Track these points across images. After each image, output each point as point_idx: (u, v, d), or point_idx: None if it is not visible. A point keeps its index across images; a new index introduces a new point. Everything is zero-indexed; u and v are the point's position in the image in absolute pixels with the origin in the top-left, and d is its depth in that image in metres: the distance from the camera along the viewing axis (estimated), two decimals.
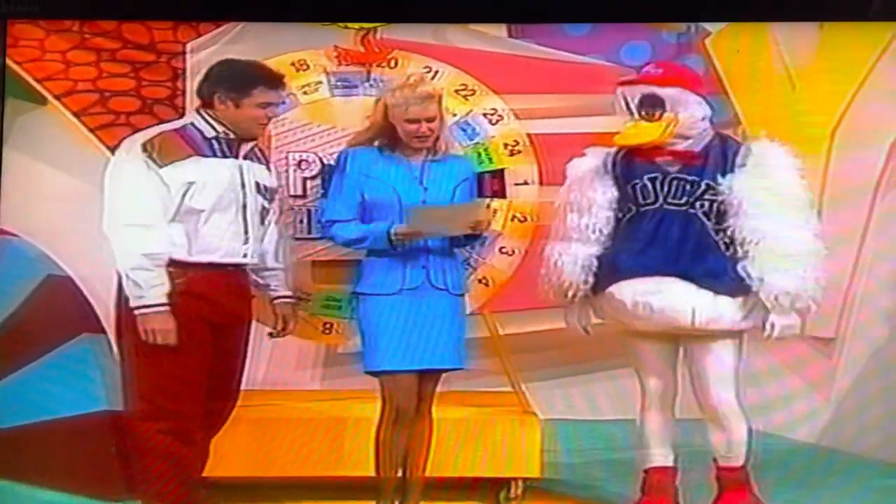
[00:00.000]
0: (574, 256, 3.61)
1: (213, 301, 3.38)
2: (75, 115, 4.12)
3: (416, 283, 3.56)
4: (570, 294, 3.64)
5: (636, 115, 3.59)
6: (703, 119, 3.60)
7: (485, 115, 4.10)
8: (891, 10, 3.94)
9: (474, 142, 4.10)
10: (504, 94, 4.10)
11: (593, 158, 3.69)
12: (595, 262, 3.60)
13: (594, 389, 4.10)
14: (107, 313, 3.95)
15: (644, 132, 3.57)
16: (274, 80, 3.49)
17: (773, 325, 3.52)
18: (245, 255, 3.47)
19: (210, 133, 3.43)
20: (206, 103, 3.46)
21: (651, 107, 3.57)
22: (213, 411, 3.46)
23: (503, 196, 4.09)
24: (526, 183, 4.10)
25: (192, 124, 3.44)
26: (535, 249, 4.06)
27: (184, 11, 4.08)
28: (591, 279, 3.61)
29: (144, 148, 3.35)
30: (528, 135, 4.10)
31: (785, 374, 4.10)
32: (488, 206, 3.86)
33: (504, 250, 4.09)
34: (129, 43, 4.12)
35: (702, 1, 3.97)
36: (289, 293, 3.65)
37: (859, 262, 4.06)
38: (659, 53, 4.02)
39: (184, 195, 3.34)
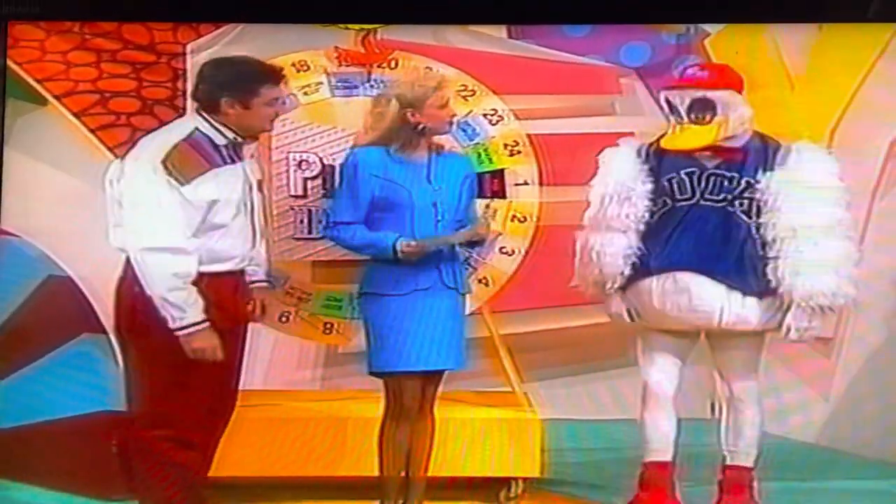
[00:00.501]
0: (618, 247, 3.58)
1: (222, 307, 3.32)
2: (76, 115, 4.12)
3: (429, 284, 3.55)
4: (610, 285, 3.62)
5: (685, 119, 3.57)
6: (750, 119, 3.61)
7: (485, 115, 4.11)
8: (889, 10, 3.97)
9: (474, 142, 4.10)
10: (504, 95, 4.11)
11: (627, 148, 3.67)
12: (637, 253, 3.58)
13: (594, 389, 4.10)
14: (107, 314, 3.94)
15: (696, 136, 3.55)
16: (276, 75, 3.43)
17: (789, 328, 3.54)
18: (253, 259, 3.45)
19: (220, 140, 3.33)
20: (210, 107, 3.35)
21: (702, 110, 3.55)
22: (213, 413, 3.42)
23: (503, 196, 4.09)
24: (526, 183, 4.10)
25: (199, 130, 3.33)
26: (535, 249, 4.10)
27: (185, 13, 4.08)
28: (629, 270, 3.59)
29: (165, 166, 3.23)
30: (528, 135, 4.11)
31: (783, 374, 4.12)
32: (489, 225, 3.81)
33: (504, 250, 4.09)
34: (129, 44, 4.12)
35: (701, 2, 3.98)
36: (264, 278, 3.60)
37: (858, 262, 4.06)
38: (658, 54, 4.04)
39: (207, 212, 3.26)
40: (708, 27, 4.07)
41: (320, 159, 4.08)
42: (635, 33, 4.09)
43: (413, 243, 3.49)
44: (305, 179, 4.08)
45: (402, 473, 3.62)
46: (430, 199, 3.56)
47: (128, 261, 3.30)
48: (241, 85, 3.33)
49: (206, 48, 4.09)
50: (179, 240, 3.21)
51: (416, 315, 3.53)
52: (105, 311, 3.93)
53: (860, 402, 4.09)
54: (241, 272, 3.43)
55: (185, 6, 4.07)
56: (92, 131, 4.12)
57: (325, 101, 4.12)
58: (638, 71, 4.09)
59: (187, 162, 3.24)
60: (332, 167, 4.04)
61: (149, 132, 4.04)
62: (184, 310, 3.20)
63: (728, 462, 3.69)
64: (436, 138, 3.63)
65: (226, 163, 3.32)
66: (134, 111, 4.12)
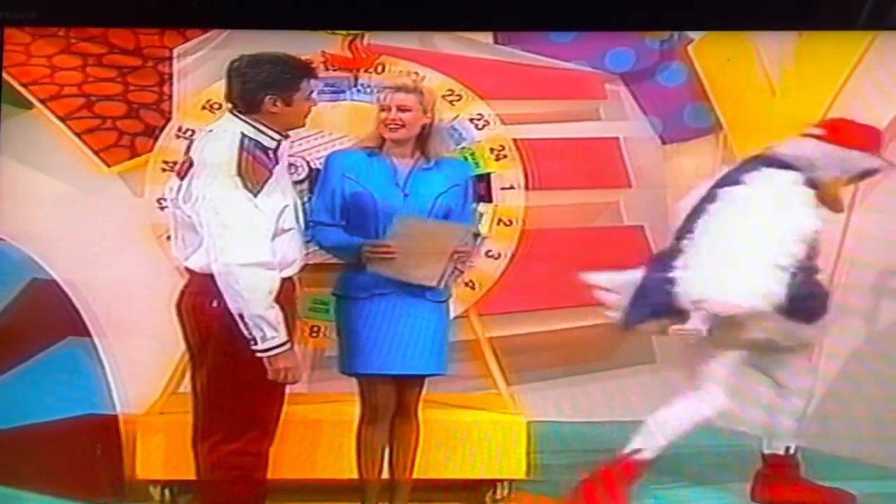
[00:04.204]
0: None
1: (289, 314, 3.28)
2: (61, 119, 4.11)
3: (388, 290, 3.53)
4: None
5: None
6: None
7: (471, 120, 4.13)
8: (868, 18, 4.04)
9: (461, 146, 4.12)
10: (490, 100, 4.13)
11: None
12: None
13: (580, 391, 4.13)
14: (92, 317, 3.98)
15: None
16: (311, 69, 3.40)
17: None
18: (308, 254, 3.44)
19: (270, 143, 3.28)
20: (251, 108, 3.26)
21: None
22: (272, 420, 3.39)
23: (489, 200, 4.12)
24: (512, 187, 4.13)
25: (246, 136, 3.24)
26: (521, 253, 4.12)
27: (173, 18, 4.09)
28: None
29: (241, 178, 3.17)
30: (514, 140, 4.13)
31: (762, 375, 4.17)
32: (476, 234, 3.80)
33: (490, 254, 4.11)
34: (115, 48, 4.12)
35: (685, 9, 4.02)
36: None
37: (838, 265, 4.12)
38: (642, 60, 4.09)
39: (277, 220, 3.23)
40: (691, 34, 4.12)
41: (307, 163, 4.08)
42: (620, 39, 4.14)
43: (374, 244, 3.47)
44: (292, 183, 4.07)
45: (381, 474, 3.61)
46: (397, 205, 3.53)
47: (191, 276, 3.25)
48: (283, 81, 3.27)
49: (192, 52, 4.11)
50: (267, 254, 3.16)
51: (379, 319, 3.52)
52: (90, 314, 3.97)
53: (840, 404, 4.13)
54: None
55: (174, 13, 4.07)
56: (78, 135, 4.11)
57: None
58: (622, 77, 4.14)
59: (254, 171, 3.19)
60: (319, 171, 4.05)
61: (135, 136, 4.14)
62: (276, 328, 3.14)
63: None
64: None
65: (275, 164, 3.27)
66: (120, 115, 4.12)
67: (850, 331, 4.14)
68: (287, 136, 3.35)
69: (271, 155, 3.27)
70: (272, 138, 3.28)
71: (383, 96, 3.58)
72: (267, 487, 3.36)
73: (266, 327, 3.13)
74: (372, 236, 3.53)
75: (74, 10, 4.07)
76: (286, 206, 3.24)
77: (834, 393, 4.13)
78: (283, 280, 3.26)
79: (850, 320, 4.13)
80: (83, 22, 4.09)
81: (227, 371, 3.23)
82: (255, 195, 3.17)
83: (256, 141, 3.24)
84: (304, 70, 3.35)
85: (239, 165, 3.17)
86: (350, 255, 3.54)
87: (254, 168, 3.18)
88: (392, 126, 3.55)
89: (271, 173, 3.22)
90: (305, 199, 4.03)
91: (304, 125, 3.44)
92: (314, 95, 3.41)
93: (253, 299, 3.12)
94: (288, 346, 3.16)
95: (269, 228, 3.19)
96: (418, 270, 3.49)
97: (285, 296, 3.27)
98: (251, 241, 3.14)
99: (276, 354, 3.15)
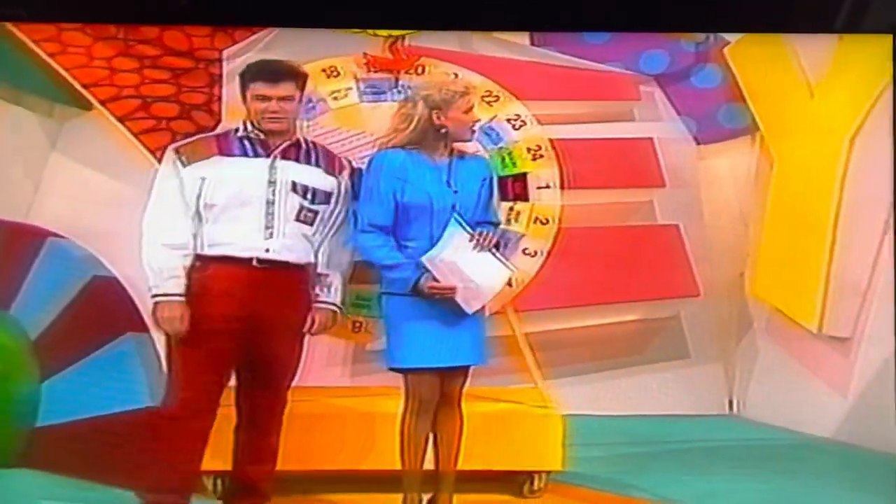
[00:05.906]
0: None
1: (235, 296, 3.54)
2: (119, 120, 4.25)
3: None
4: None
5: None
6: None
7: (508, 120, 4.18)
8: None
9: (498, 146, 4.18)
10: (527, 101, 4.17)
11: None
12: None
13: (614, 385, 4.21)
14: (150, 312, 4.18)
15: None
16: (268, 74, 3.65)
17: None
18: (268, 251, 3.58)
19: (242, 132, 3.68)
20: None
21: None
22: (257, 407, 3.64)
23: (526, 199, 4.17)
24: (548, 186, 4.18)
25: (236, 129, 3.71)
26: (556, 251, 4.18)
27: (217, 17, 4.18)
28: None
29: (176, 151, 3.67)
30: (550, 140, 4.17)
31: (803, 372, 4.19)
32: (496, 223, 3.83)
33: (527, 251, 4.17)
34: (169, 50, 4.24)
35: (720, 11, 3.97)
36: (330, 300, 3.74)
37: (877, 265, 4.11)
38: (677, 62, 4.08)
39: (199, 189, 3.59)
40: (727, 36, 4.08)
41: (349, 163, 4.16)
42: (654, 41, 4.14)
43: (436, 284, 3.56)
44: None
45: (427, 466, 3.70)
46: (449, 202, 3.61)
47: None
48: (242, 79, 3.70)
49: (240, 54, 4.20)
50: (173, 215, 3.58)
51: (429, 314, 3.60)
52: (148, 310, 4.17)
53: (878, 400, 4.12)
54: (265, 266, 3.57)
55: (218, 12, 4.16)
56: (135, 135, 4.24)
57: (353, 106, 4.20)
58: (657, 78, 4.14)
59: (198, 149, 3.67)
60: (361, 171, 4.11)
61: (186, 136, 4.29)
62: (160, 279, 3.54)
63: None
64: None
65: (245, 154, 3.64)
66: (173, 116, 4.25)
67: (888, 329, 4.10)
68: (262, 132, 3.64)
69: (246, 144, 3.65)
70: (244, 127, 3.69)
71: (470, 98, 3.63)
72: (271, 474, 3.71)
73: (152, 276, 3.58)
74: (426, 236, 3.61)
75: (64, 7, 4.16)
76: (205, 178, 3.60)
77: (871, 390, 4.15)
78: (232, 260, 3.55)
79: (889, 319, 4.09)
80: (74, 18, 4.18)
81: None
82: (185, 167, 3.62)
83: (236, 129, 3.70)
84: (257, 73, 3.70)
85: (183, 143, 3.72)
86: (400, 284, 3.60)
87: (199, 147, 3.69)
88: (474, 128, 3.68)
89: (218, 154, 3.62)
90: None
91: (264, 128, 3.64)
92: (276, 104, 3.64)
93: (146, 249, 3.60)
94: (169, 298, 3.55)
95: (189, 195, 3.60)
96: (490, 280, 3.64)
97: (243, 278, 3.54)
98: (161, 202, 3.62)
99: (156, 303, 3.58)
